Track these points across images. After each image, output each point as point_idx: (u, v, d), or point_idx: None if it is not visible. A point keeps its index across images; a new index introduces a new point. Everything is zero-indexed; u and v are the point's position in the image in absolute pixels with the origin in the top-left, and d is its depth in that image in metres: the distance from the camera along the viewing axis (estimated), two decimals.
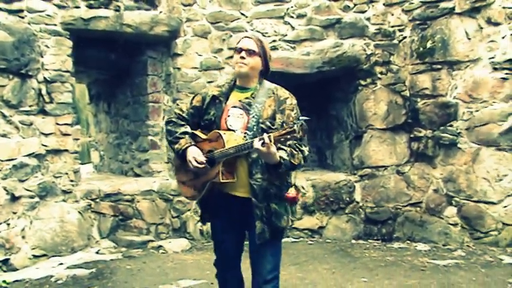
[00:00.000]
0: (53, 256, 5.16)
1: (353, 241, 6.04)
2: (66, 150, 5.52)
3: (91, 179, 6.49)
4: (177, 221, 5.96)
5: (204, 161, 2.62)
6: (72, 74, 5.59)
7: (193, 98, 2.87)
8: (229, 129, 2.66)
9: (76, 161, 5.67)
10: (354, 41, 6.27)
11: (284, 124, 2.56)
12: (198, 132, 2.77)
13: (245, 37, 2.80)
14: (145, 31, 5.87)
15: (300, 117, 2.39)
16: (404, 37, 6.15)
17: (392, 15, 6.23)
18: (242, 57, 2.66)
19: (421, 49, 5.99)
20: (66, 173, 5.52)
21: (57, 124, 5.44)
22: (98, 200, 5.72)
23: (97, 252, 5.32)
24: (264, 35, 6.18)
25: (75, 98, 5.88)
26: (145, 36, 5.96)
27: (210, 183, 2.65)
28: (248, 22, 6.31)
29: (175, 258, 5.14)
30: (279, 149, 2.49)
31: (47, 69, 5.35)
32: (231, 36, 6.25)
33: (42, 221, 5.23)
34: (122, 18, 5.72)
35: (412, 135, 6.12)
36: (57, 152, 5.44)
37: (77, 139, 5.73)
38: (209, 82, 6.07)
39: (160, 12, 5.99)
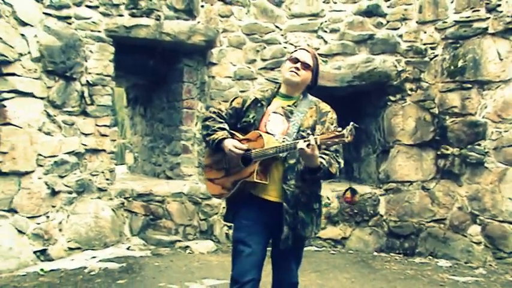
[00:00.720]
0: (87, 249, 5.44)
1: (375, 253, 6.13)
2: (104, 150, 5.82)
3: (125, 179, 6.79)
4: (205, 224, 6.18)
5: (245, 148, 2.62)
6: (112, 78, 5.91)
7: (234, 99, 2.87)
8: (268, 133, 2.65)
9: (112, 160, 5.97)
10: (385, 57, 6.40)
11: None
12: (235, 132, 2.76)
13: (303, 49, 2.83)
14: (183, 40, 6.15)
15: (351, 123, 2.34)
16: (436, 55, 6.24)
17: (425, 33, 6.33)
18: (297, 68, 2.71)
19: (452, 67, 6.07)
20: (103, 172, 5.81)
21: (97, 125, 5.75)
22: (130, 199, 6.00)
23: (127, 249, 5.58)
24: (296, 47, 6.36)
25: (114, 101, 6.18)
26: (182, 44, 6.24)
27: (242, 183, 2.63)
28: (282, 35, 6.52)
29: (201, 259, 5.35)
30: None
31: (89, 73, 5.68)
32: (264, 47, 6.47)
33: (78, 216, 5.53)
34: (162, 27, 6.01)
35: (439, 152, 6.18)
36: (95, 151, 5.74)
37: (114, 140, 6.04)
38: (242, 91, 6.29)
39: (198, 22, 6.26)
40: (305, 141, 2.38)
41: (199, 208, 6.20)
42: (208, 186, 2.90)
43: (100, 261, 5.08)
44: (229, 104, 2.86)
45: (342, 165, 2.67)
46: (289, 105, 2.73)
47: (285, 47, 6.48)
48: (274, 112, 2.71)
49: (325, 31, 6.52)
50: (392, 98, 6.45)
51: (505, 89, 5.74)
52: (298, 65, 2.71)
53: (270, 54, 6.46)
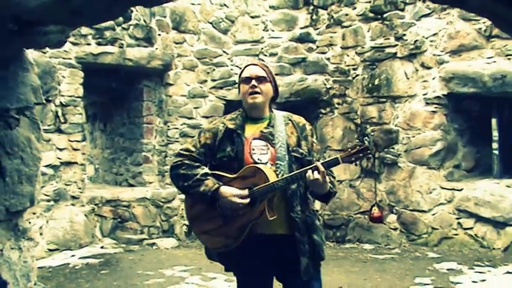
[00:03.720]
0: (64, 250, 6.21)
1: None
2: (76, 163, 6.62)
3: (92, 188, 7.56)
4: (166, 224, 7.09)
5: (247, 194, 2.33)
6: (82, 99, 6.72)
7: (200, 134, 2.54)
8: (256, 163, 2.41)
9: (83, 171, 6.77)
10: (316, 76, 7.61)
11: (310, 151, 2.47)
12: (221, 172, 2.44)
13: (250, 64, 2.57)
14: (144, 64, 7.07)
15: (367, 133, 2.44)
16: (357, 75, 7.51)
17: (348, 56, 7.60)
18: (254, 86, 2.44)
19: (370, 85, 7.35)
20: (75, 182, 6.61)
21: (69, 140, 6.54)
22: (100, 205, 6.82)
23: (101, 247, 6.41)
24: (241, 69, 7.44)
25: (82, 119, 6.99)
26: (143, 68, 7.15)
27: (251, 225, 2.34)
28: (229, 58, 7.58)
29: (167, 252, 6.28)
30: None
31: (62, 95, 6.47)
32: (214, 69, 7.50)
33: (56, 221, 6.30)
34: (125, 53, 6.90)
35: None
36: (68, 163, 6.53)
37: (84, 153, 6.84)
38: (195, 108, 7.30)
39: (156, 48, 7.19)
40: (313, 169, 2.23)
41: (161, 210, 7.11)
42: (205, 240, 2.51)
43: (80, 258, 5.89)
44: (197, 142, 2.51)
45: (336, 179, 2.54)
46: (266, 127, 2.49)
47: (232, 69, 7.54)
48: (254, 139, 2.46)
49: (265, 55, 7.64)
50: (323, 111, 7.67)
51: (412, 102, 7.07)
52: (253, 82, 2.44)
53: (218, 75, 7.49)
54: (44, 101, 2.77)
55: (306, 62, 7.63)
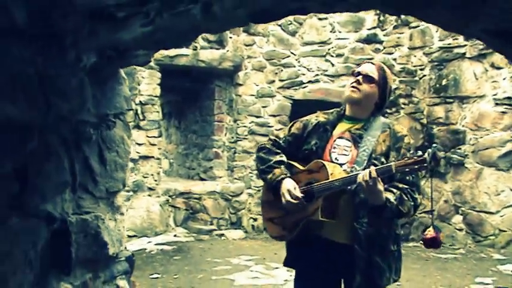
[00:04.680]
0: (141, 236, 6.77)
1: None
2: (152, 157, 7.17)
3: (166, 181, 8.13)
4: (234, 216, 7.49)
5: (301, 197, 2.25)
6: (159, 98, 7.26)
7: (292, 124, 2.51)
8: (333, 162, 2.31)
9: (158, 165, 7.31)
10: None
11: None
12: (295, 163, 2.41)
13: (367, 62, 2.50)
14: (215, 66, 7.50)
15: (433, 145, 2.11)
16: (424, 75, 7.52)
17: (415, 56, 7.62)
18: (358, 82, 2.34)
19: (437, 85, 7.35)
20: (152, 174, 7.16)
21: (147, 136, 7.10)
22: (174, 197, 7.34)
23: (174, 236, 6.91)
24: (308, 70, 7.71)
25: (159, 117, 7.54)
26: (214, 69, 7.59)
27: (305, 222, 2.27)
28: (296, 59, 7.84)
29: (234, 243, 6.67)
30: (386, 190, 2.15)
31: (142, 95, 7.03)
32: (282, 70, 7.79)
33: (134, 210, 6.87)
34: (198, 55, 7.36)
35: (433, 145, 7.45)
36: (146, 157, 7.09)
37: (160, 148, 7.39)
38: (263, 107, 7.63)
39: (227, 50, 7.60)
40: (366, 173, 2.09)
41: (229, 204, 7.52)
42: (268, 226, 2.55)
43: (156, 244, 6.41)
44: (287, 131, 2.49)
45: (419, 201, 2.26)
46: (357, 129, 2.35)
47: (299, 69, 7.80)
48: (340, 137, 2.35)
49: (332, 56, 7.83)
50: (388, 111, 7.74)
51: (480, 103, 7.00)
52: (359, 78, 2.35)
53: (286, 75, 7.77)
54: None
55: None
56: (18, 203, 1.30)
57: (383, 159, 2.21)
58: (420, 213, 7.40)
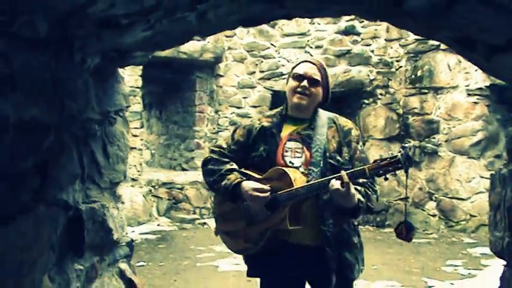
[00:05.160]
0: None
1: None
2: (135, 148, 7.26)
3: (148, 171, 8.23)
4: None
5: (268, 189, 2.15)
6: (140, 89, 7.34)
7: (234, 131, 2.37)
8: (288, 167, 2.22)
9: (141, 156, 7.41)
10: (360, 68, 7.91)
11: (352, 159, 2.22)
12: (248, 171, 2.27)
13: (306, 61, 2.34)
14: (196, 57, 7.60)
15: (406, 144, 2.10)
16: (400, 66, 7.76)
17: (392, 48, 7.85)
18: (304, 87, 2.22)
19: (413, 76, 7.59)
20: (135, 165, 7.26)
21: (130, 127, 7.17)
22: (156, 187, 7.45)
23: (158, 225, 7.04)
24: (288, 61, 7.87)
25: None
26: (195, 61, 7.68)
27: (271, 232, 2.18)
28: (276, 51, 7.99)
29: None
30: None
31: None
32: (262, 61, 7.93)
33: None
34: (179, 47, 7.44)
35: (403, 144, 7.72)
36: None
37: (142, 139, 7.48)
38: (244, 98, 7.78)
39: (208, 42, 7.70)
40: (337, 179, 2.03)
41: (211, 193, 7.66)
42: (225, 241, 2.38)
43: (140, 233, 6.54)
44: (230, 139, 2.36)
45: (378, 192, 2.29)
46: (304, 129, 2.28)
47: (279, 61, 7.96)
48: (289, 140, 2.27)
49: (311, 47, 8.01)
50: (366, 101, 7.98)
51: (453, 93, 7.28)
52: (305, 83, 2.23)
53: (266, 67, 7.92)
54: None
55: (351, 54, 7.93)
56: (41, 194, 1.45)
57: (338, 157, 2.20)
58: (396, 200, 7.69)
